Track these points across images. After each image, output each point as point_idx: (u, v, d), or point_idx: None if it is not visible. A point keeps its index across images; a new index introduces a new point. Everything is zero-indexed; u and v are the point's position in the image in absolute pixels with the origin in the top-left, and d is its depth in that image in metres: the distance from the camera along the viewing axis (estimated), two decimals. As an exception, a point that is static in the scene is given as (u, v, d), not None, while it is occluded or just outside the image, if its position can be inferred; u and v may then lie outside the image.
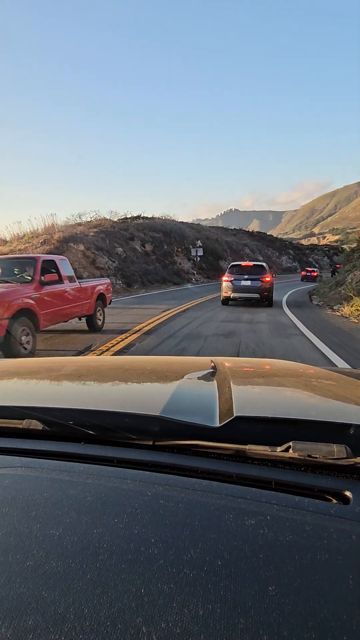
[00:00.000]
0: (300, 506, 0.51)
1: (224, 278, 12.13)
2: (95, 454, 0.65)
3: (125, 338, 6.84)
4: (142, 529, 0.47)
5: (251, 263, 12.65)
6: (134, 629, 0.35)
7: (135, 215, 33.40)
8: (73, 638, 0.35)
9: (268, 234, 58.84)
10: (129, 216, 33.07)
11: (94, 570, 0.42)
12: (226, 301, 12.22)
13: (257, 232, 55.88)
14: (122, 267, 21.55)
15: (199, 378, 1.07)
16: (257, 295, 11.90)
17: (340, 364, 5.11)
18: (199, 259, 29.71)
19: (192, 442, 0.64)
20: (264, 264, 12.79)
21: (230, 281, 11.96)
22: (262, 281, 11.88)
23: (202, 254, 29.69)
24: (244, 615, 0.37)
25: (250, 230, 53.44)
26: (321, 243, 73.46)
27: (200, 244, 33.26)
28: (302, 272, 36.15)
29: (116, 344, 6.43)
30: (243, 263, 12.61)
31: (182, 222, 35.50)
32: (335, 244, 77.00)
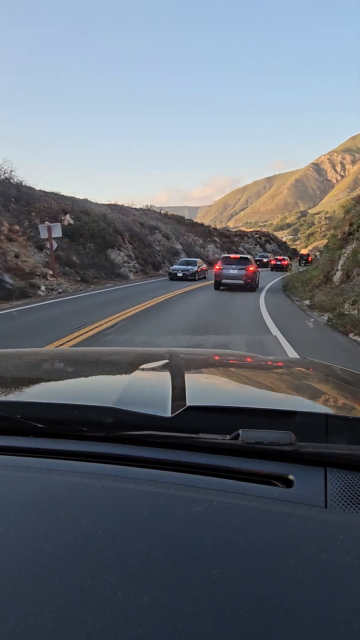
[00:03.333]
0: (246, 491, 0.52)
1: (216, 267, 15.10)
2: (44, 447, 0.64)
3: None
4: (90, 522, 0.47)
5: (238, 255, 16.51)
6: (79, 622, 0.35)
7: None
8: (15, 636, 0.34)
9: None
10: None
11: (38, 566, 0.41)
12: (217, 285, 14.82)
13: (173, 213, 42.09)
14: None
15: (153, 369, 1.07)
16: (241, 282, 14.44)
17: None
18: (55, 245, 14.63)
19: (144, 433, 0.64)
20: (249, 257, 16.57)
21: (221, 269, 14.74)
22: (246, 270, 14.64)
23: (60, 234, 14.61)
24: (189, 600, 0.37)
25: (163, 211, 39.33)
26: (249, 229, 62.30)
27: (69, 221, 18.13)
28: (272, 261, 33.87)
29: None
30: (232, 255, 16.35)
31: (29, 187, 19.51)
32: (266, 230, 66.40)
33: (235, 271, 14.56)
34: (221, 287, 14.69)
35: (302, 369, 1.20)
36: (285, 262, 33.32)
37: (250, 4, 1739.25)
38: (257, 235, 54.36)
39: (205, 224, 46.83)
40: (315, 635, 0.34)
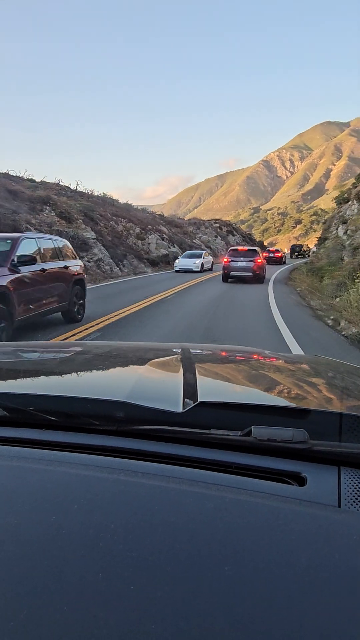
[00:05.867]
0: (258, 489, 0.52)
1: (224, 259, 15.56)
2: (56, 440, 0.64)
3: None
4: (102, 515, 0.47)
5: (246, 248, 16.76)
6: (91, 615, 0.35)
7: None
8: (28, 626, 0.34)
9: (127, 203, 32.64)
10: None
11: (51, 558, 0.41)
12: (226, 278, 15.21)
13: (103, 194, 29.34)
14: None
15: (165, 364, 1.09)
16: (250, 274, 14.84)
17: None
18: None
19: (156, 427, 0.64)
20: (257, 249, 16.73)
21: (230, 262, 15.06)
22: (254, 262, 14.98)
23: None
24: (201, 596, 0.37)
25: (72, 186, 26.42)
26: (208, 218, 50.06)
27: None
28: (264, 254, 29.21)
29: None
30: (240, 248, 16.57)
31: None
32: (228, 219, 54.61)
33: (244, 263, 14.90)
34: (229, 280, 14.96)
35: (314, 366, 1.18)
36: (279, 255, 30.00)
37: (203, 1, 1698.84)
38: (217, 225, 42.84)
39: (150, 210, 34.42)
40: (327, 636, 0.34)
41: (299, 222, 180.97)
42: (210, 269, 21.98)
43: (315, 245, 27.91)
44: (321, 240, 22.14)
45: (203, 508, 0.48)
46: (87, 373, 1.04)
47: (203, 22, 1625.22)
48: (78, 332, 5.60)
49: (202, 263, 20.79)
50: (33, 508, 0.48)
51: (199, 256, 21.22)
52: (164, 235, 28.80)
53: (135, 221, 26.01)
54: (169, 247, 27.10)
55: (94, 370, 1.06)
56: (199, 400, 0.65)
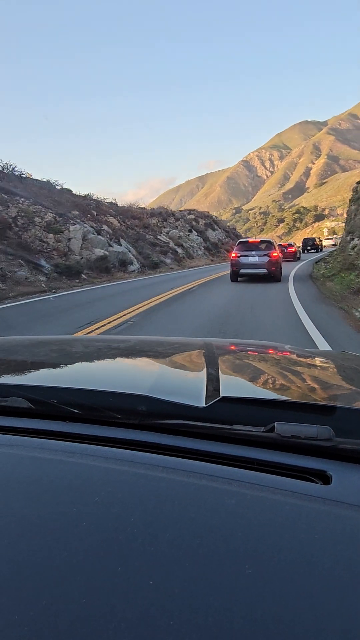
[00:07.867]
0: (281, 486, 0.51)
1: (232, 255, 12.85)
2: (79, 432, 0.65)
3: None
4: (122, 508, 0.47)
5: (258, 239, 13.42)
6: (109, 608, 0.35)
7: None
8: (46, 616, 0.34)
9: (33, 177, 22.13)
10: None
11: (70, 549, 0.41)
12: (234, 276, 12.64)
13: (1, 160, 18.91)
14: None
15: (187, 358, 1.09)
16: (264, 271, 12.25)
17: None
18: None
19: (177, 422, 0.64)
20: (272, 240, 13.43)
21: (238, 257, 12.43)
22: (269, 257, 12.30)
23: None
24: (220, 593, 0.37)
25: None
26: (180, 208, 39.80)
27: None
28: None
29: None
30: (250, 240, 13.36)
31: None
32: (207, 211, 43.96)
33: (257, 258, 12.16)
34: (239, 279, 12.58)
35: (341, 362, 1.16)
36: (293, 250, 26.56)
37: (187, 6, 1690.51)
38: (192, 216, 32.58)
39: (95, 196, 23.96)
40: (350, 639, 0.33)
41: (281, 220, 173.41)
42: None
43: (344, 235, 17.73)
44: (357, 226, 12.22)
45: (224, 504, 0.47)
46: (110, 366, 1.04)
47: (181, 27, 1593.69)
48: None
49: None
50: (54, 499, 0.48)
51: None
52: (109, 228, 18.53)
53: (47, 204, 15.64)
54: (110, 246, 16.79)
55: (117, 364, 1.06)
56: (222, 395, 0.65)
